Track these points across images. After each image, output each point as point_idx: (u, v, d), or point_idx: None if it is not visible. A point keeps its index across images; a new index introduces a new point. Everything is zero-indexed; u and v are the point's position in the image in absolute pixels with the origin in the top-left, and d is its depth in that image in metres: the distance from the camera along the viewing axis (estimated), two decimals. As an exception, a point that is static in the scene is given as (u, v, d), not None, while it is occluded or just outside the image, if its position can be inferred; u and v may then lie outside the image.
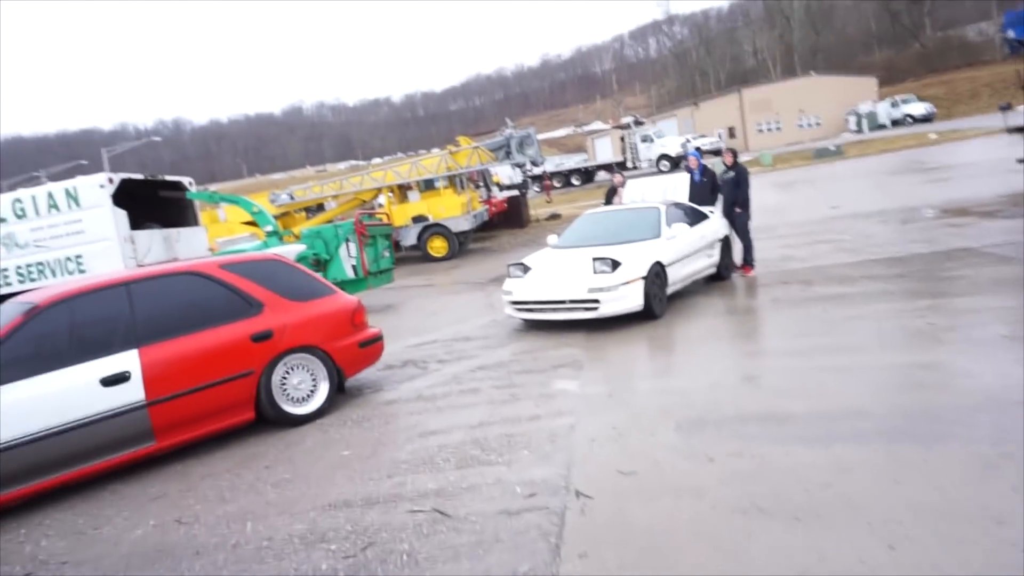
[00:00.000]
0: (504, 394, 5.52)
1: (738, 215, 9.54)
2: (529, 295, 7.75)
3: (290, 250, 6.98)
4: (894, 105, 47.81)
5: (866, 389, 4.56)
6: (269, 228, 12.24)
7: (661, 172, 32.15)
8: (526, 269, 8.10)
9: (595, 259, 7.42)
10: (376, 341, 6.12)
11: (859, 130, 46.94)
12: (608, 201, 10.76)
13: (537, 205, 25.22)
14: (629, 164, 37.75)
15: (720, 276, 9.31)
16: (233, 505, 4.02)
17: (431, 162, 19.01)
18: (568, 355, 6.55)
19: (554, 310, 7.60)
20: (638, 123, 42.57)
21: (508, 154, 18.00)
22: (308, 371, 5.56)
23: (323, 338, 5.63)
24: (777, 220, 14.39)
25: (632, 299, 7.26)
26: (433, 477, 4.02)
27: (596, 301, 7.23)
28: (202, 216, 20.33)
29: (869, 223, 12.51)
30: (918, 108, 46.53)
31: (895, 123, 46.21)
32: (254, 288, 5.47)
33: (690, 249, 8.42)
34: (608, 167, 39.24)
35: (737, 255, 9.68)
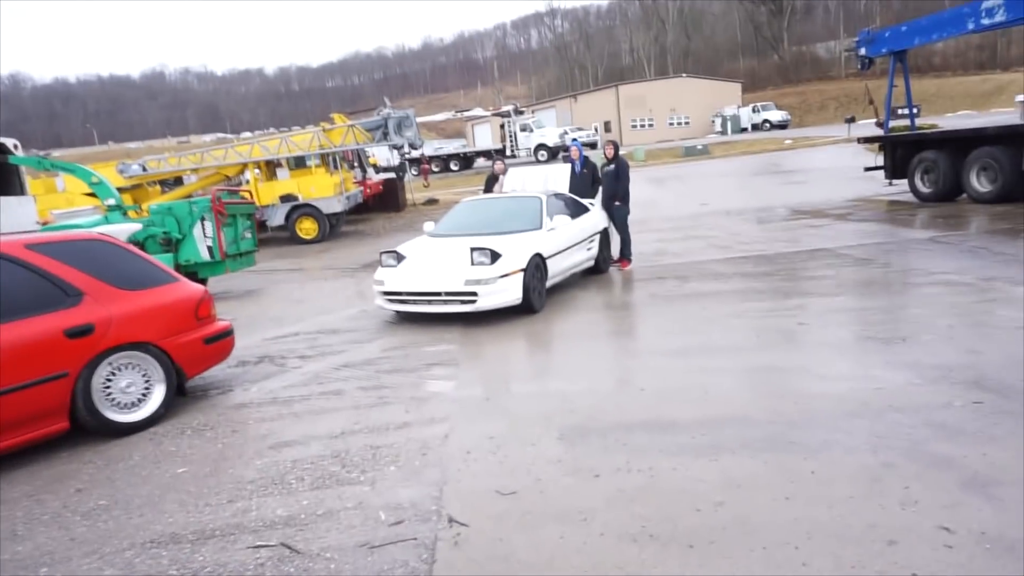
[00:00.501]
0: (371, 397, 5.00)
1: (617, 208, 9.47)
2: (402, 286, 7.23)
3: (122, 229, 6.03)
4: (755, 111, 51.17)
5: (747, 394, 4.46)
6: (111, 201, 10.92)
7: (539, 161, 32.33)
8: (400, 258, 7.59)
9: (474, 249, 7.01)
10: (225, 336, 5.38)
11: (723, 131, 49.73)
12: (488, 189, 10.39)
13: (414, 189, 24.49)
14: (509, 152, 37.69)
15: (598, 269, 9.21)
16: (28, 544, 3.25)
17: (303, 139, 17.89)
18: (443, 352, 6.11)
19: (429, 302, 7.14)
20: (518, 112, 42.51)
21: (385, 135, 17.25)
22: (140, 372, 4.77)
23: (159, 333, 4.85)
24: (651, 214, 14.66)
25: (511, 292, 6.94)
26: (283, 501, 3.45)
27: (474, 294, 6.84)
28: (37, 185, 17.97)
29: (736, 221, 13.00)
30: (776, 115, 50.21)
31: (755, 127, 49.41)
32: (71, 273, 4.59)
33: (571, 242, 8.22)
34: (487, 154, 38.98)
35: (615, 248, 9.63)
